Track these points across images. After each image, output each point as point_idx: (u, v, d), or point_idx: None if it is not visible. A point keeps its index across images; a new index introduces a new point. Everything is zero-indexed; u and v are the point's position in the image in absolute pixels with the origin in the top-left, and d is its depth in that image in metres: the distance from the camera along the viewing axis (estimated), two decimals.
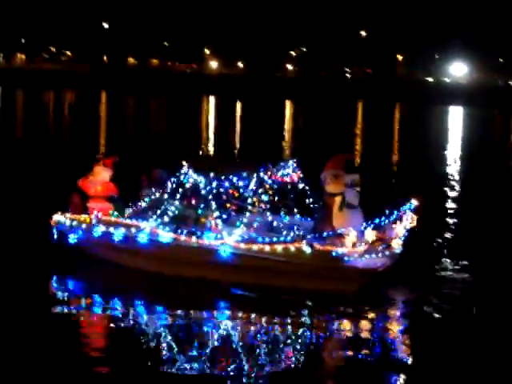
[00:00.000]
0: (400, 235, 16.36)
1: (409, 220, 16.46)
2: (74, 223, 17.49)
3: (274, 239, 16.12)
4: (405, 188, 28.99)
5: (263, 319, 14.69)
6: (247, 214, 17.00)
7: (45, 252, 18.01)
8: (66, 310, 15.02)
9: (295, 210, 18.11)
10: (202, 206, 16.99)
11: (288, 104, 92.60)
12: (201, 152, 39.06)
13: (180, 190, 16.82)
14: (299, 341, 13.79)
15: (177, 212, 16.84)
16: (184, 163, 16.76)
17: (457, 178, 34.71)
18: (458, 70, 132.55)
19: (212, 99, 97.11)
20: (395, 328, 14.75)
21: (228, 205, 17.85)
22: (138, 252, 16.77)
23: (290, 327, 14.38)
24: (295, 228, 16.95)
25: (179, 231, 16.47)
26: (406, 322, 14.94)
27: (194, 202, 17.23)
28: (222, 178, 16.64)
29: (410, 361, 13.12)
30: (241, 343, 13.61)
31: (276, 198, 17.88)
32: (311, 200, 17.68)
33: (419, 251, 18.64)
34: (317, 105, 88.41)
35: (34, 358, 12.54)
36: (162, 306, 15.21)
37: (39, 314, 14.59)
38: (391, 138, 55.56)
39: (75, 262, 17.39)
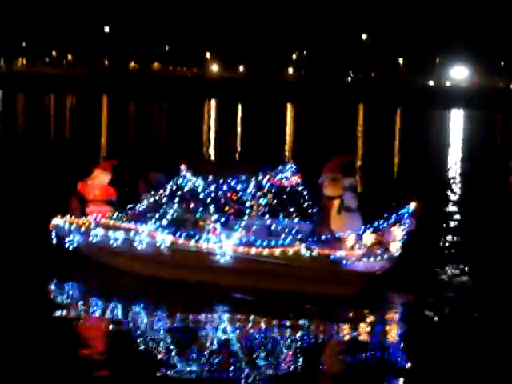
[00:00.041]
0: (398, 238, 16.31)
1: (407, 223, 16.40)
2: (73, 227, 17.50)
3: (273, 243, 16.09)
4: (405, 191, 28.94)
5: (262, 322, 14.66)
6: (246, 217, 16.97)
7: (44, 256, 17.99)
8: (65, 314, 14.99)
9: (294, 214, 18.08)
10: (200, 209, 16.96)
11: (289, 107, 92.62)
12: (199, 155, 39.04)
13: (178, 193, 16.79)
14: (298, 344, 13.76)
15: (175, 215, 16.82)
16: (182, 166, 16.74)
17: (457, 181, 34.68)
18: (458, 74, 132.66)
19: (213, 103, 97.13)
20: (394, 331, 14.71)
21: (226, 208, 17.83)
22: (136, 256, 16.75)
23: (288, 330, 14.34)
24: (294, 231, 16.93)
25: (178, 234, 16.46)
26: (405, 326, 14.88)
27: (192, 205, 17.21)
28: (221, 181, 16.62)
29: (409, 364, 13.06)
30: (240, 346, 13.59)
31: (274, 202, 17.87)
32: (310, 203, 17.65)
33: (419, 254, 18.60)
34: (318, 108, 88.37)
35: (34, 362, 12.50)
36: (161, 309, 15.19)
37: (38, 318, 14.54)
38: (392, 141, 55.51)
39: (74, 265, 17.39)
